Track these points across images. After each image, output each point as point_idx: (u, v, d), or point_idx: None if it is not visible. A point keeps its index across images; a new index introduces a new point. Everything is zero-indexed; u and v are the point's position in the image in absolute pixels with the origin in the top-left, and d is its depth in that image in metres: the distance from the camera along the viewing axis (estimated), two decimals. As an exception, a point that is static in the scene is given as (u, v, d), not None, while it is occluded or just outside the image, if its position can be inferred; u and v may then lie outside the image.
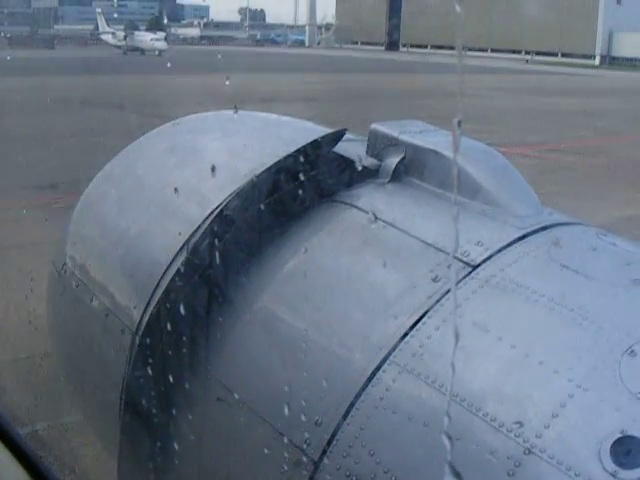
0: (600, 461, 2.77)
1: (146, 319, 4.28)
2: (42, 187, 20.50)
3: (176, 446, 4.23)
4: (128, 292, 4.68)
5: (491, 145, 4.52)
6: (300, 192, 4.25)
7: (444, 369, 3.22)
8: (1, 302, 10.54)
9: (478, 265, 3.57)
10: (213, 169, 4.49)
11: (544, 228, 3.83)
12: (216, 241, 4.13)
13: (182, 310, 4.07)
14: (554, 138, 37.27)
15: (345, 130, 4.63)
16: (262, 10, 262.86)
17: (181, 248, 4.23)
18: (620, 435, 2.79)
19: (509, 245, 3.67)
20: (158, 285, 4.27)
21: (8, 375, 10.16)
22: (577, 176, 27.12)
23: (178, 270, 4.18)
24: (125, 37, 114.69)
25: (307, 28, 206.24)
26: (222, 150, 5.01)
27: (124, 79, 57.24)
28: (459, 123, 1.95)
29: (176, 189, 4.62)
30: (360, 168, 4.40)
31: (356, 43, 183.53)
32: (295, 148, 4.31)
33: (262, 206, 4.23)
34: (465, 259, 3.59)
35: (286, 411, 3.56)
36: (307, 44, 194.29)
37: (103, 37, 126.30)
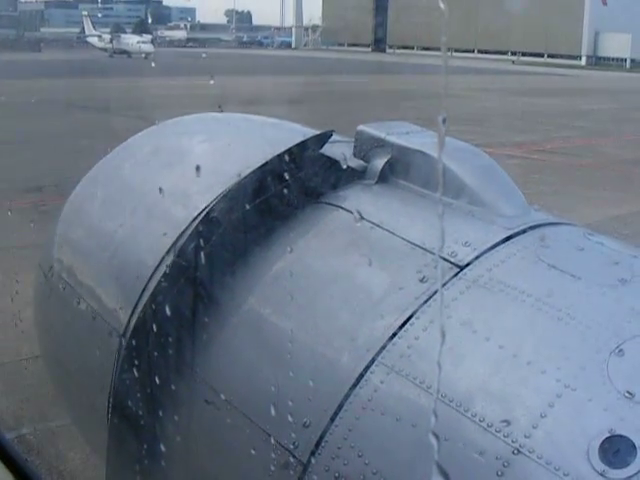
0: (589, 461, 2.77)
1: (133, 321, 4.27)
2: (27, 190, 20.46)
3: (164, 448, 4.22)
4: (115, 295, 4.67)
5: (478, 146, 4.52)
6: (287, 193, 4.25)
7: (432, 370, 3.21)
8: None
9: (465, 266, 3.57)
10: (199, 171, 4.48)
11: (531, 228, 3.84)
12: (203, 243, 4.12)
13: (169, 312, 4.06)
14: (541, 139, 37.36)
15: (332, 131, 4.63)
16: (249, 12, 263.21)
17: (168, 250, 4.23)
18: (609, 434, 2.79)
19: (496, 245, 3.66)
20: (145, 287, 4.26)
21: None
22: (563, 176, 27.19)
23: (165, 272, 4.17)
24: (111, 40, 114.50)
25: (294, 30, 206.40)
26: (208, 152, 5.00)
27: (110, 82, 57.26)
28: (444, 120, 1.95)
29: (162, 191, 4.62)
30: (347, 169, 4.39)
31: (343, 45, 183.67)
32: (282, 149, 4.30)
33: (249, 208, 4.22)
34: (452, 260, 3.59)
35: (274, 413, 3.55)
36: (294, 46, 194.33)
37: (89, 40, 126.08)
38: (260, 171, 4.25)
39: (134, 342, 4.24)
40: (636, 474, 2.72)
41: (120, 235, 4.81)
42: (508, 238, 3.72)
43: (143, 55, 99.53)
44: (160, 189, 4.63)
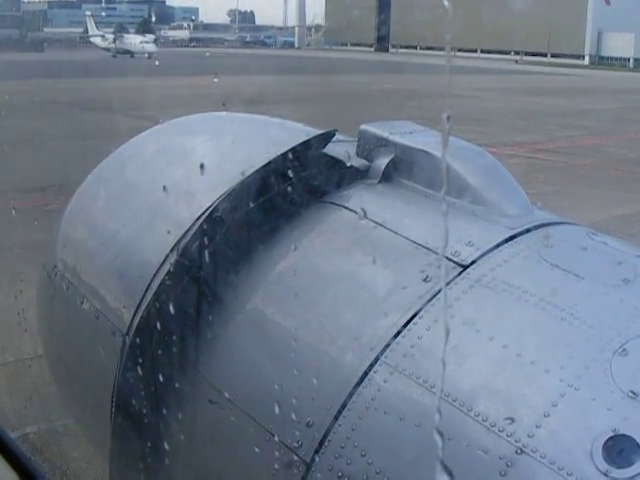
0: (592, 460, 2.77)
1: (137, 321, 4.27)
2: (31, 190, 20.47)
3: (167, 447, 4.22)
4: (119, 294, 4.67)
5: (481, 145, 4.52)
6: (290, 193, 4.25)
7: (435, 369, 3.21)
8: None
9: (469, 265, 3.57)
10: (203, 170, 4.48)
11: (534, 227, 3.83)
12: (206, 242, 4.13)
13: (172, 311, 4.06)
14: (544, 138, 37.34)
15: (335, 131, 4.63)
16: (251, 12, 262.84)
17: (172, 249, 4.23)
18: (612, 434, 2.79)
19: (499, 245, 3.66)
20: (149, 287, 4.26)
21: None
22: (567, 176, 27.16)
23: (169, 271, 4.17)
24: (114, 40, 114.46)
25: (296, 30, 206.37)
26: (212, 151, 5.00)
27: (113, 82, 57.22)
28: (448, 118, 1.95)
29: (166, 190, 4.62)
30: (350, 169, 4.39)
31: (345, 44, 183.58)
32: (285, 149, 4.30)
33: (252, 207, 4.23)
34: (456, 259, 3.59)
35: (277, 412, 3.56)
36: (297, 46, 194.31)
37: (92, 40, 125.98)
38: (264, 170, 4.25)
39: (137, 341, 4.25)
40: None
41: (123, 234, 4.81)
42: (511, 238, 3.72)
43: (146, 55, 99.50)
44: (164, 188, 4.64)
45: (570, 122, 44.87)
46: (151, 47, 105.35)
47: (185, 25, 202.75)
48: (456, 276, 3.53)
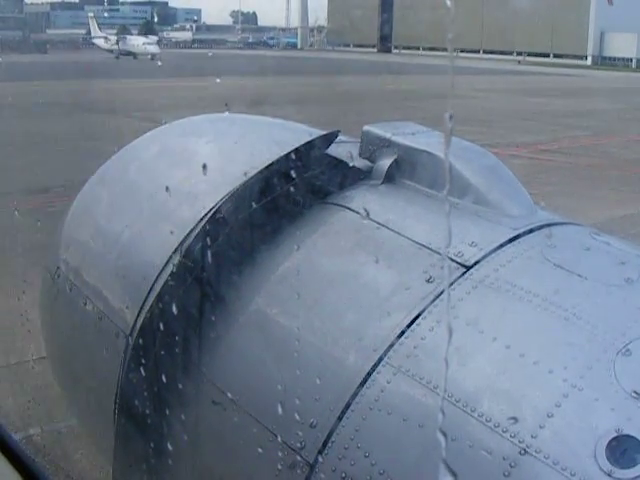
0: (596, 460, 2.77)
1: (140, 322, 4.28)
2: (34, 191, 20.47)
3: (171, 448, 4.22)
4: (122, 295, 4.67)
5: (484, 146, 4.52)
6: (293, 193, 4.25)
7: (439, 370, 3.21)
8: None
9: (472, 266, 3.56)
10: (206, 171, 4.48)
11: (537, 228, 3.83)
12: (210, 243, 4.13)
13: (175, 312, 4.06)
14: (547, 139, 37.31)
15: (338, 132, 4.63)
16: (254, 13, 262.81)
17: (175, 250, 4.23)
18: (615, 434, 2.79)
19: (503, 245, 3.66)
20: (152, 288, 4.26)
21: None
22: (570, 176, 27.13)
23: (172, 272, 4.17)
24: (117, 41, 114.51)
25: (299, 31, 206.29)
26: (215, 152, 5.00)
27: (116, 83, 57.29)
28: (450, 117, 1.95)
29: (169, 191, 4.62)
30: (353, 169, 4.40)
31: (348, 45, 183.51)
32: (288, 150, 4.30)
33: (255, 207, 4.23)
34: (459, 260, 3.59)
35: (281, 412, 3.56)
36: (299, 46, 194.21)
37: (95, 41, 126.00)
38: (267, 171, 4.25)
39: (140, 342, 4.25)
40: None
41: (127, 236, 4.81)
42: (514, 238, 3.72)
43: (149, 56, 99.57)
44: (167, 189, 4.64)
45: (573, 122, 44.82)
46: (154, 48, 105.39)
47: (188, 26, 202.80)
48: (459, 277, 3.53)
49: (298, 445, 3.52)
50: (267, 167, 4.25)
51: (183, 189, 4.65)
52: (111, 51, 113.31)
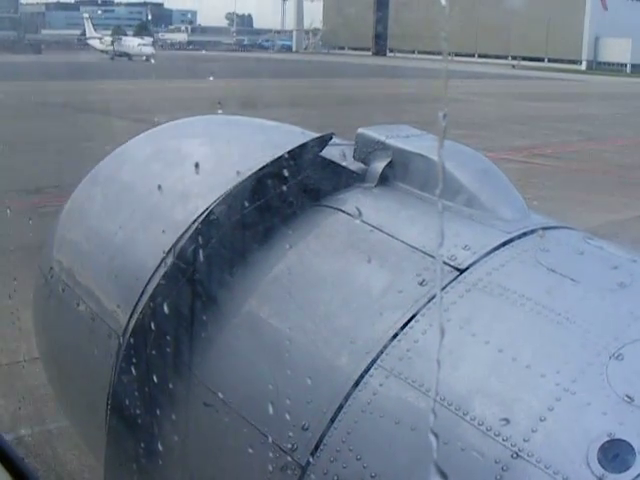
0: (588, 465, 2.77)
1: (133, 323, 4.27)
2: (28, 191, 20.47)
3: (162, 449, 4.22)
4: (115, 296, 4.67)
5: (478, 150, 4.52)
6: (287, 196, 4.24)
7: (431, 373, 3.21)
8: None
9: (465, 269, 3.56)
10: (199, 172, 4.48)
11: (531, 232, 3.83)
12: (203, 244, 4.12)
13: (168, 313, 4.06)
14: (540, 143, 37.39)
15: (332, 134, 4.62)
16: (249, 15, 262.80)
17: (168, 252, 4.22)
18: (608, 438, 2.79)
19: (496, 249, 3.66)
20: (145, 288, 4.25)
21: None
22: (563, 180, 27.20)
23: (165, 274, 4.17)
24: (112, 42, 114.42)
25: (294, 33, 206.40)
26: (209, 154, 5.00)
27: (110, 84, 57.28)
28: (444, 116, 1.95)
29: (162, 192, 4.61)
30: (347, 172, 4.39)
31: (343, 48, 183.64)
32: (282, 152, 4.30)
33: (249, 210, 4.22)
34: (452, 263, 3.59)
35: (273, 414, 3.55)
36: (294, 49, 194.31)
37: (90, 42, 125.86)
38: (260, 173, 4.24)
39: (133, 343, 4.24)
40: (635, 478, 2.72)
41: (120, 236, 4.80)
42: (508, 242, 3.72)
43: (144, 57, 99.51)
44: (160, 190, 4.63)
45: (567, 127, 44.95)
46: (149, 50, 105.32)
47: (183, 28, 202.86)
48: (452, 280, 3.53)
49: (290, 447, 3.52)
50: (260, 169, 4.24)
51: (176, 190, 4.64)
52: (106, 52, 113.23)
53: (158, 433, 4.25)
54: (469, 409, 3.09)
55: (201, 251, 4.11)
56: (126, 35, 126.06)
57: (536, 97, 68.48)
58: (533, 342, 3.26)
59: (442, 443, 3.00)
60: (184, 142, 5.40)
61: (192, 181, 4.51)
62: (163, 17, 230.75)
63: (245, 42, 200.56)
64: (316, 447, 3.43)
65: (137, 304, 4.27)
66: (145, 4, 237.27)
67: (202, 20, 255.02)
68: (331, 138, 4.58)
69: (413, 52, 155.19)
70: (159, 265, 4.23)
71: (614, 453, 2.77)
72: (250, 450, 3.69)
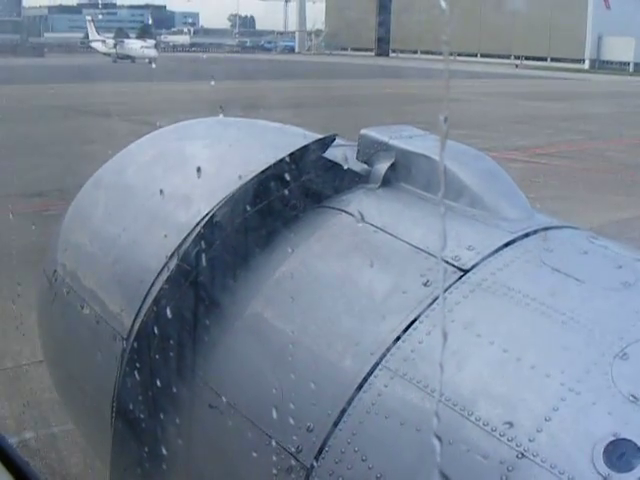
0: (593, 464, 2.77)
1: (137, 325, 4.27)
2: (30, 195, 20.48)
3: (167, 452, 4.22)
4: (119, 299, 4.67)
5: (481, 150, 4.51)
6: (290, 197, 4.24)
7: (436, 374, 3.21)
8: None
9: (469, 269, 3.56)
10: (202, 175, 4.48)
11: (535, 232, 3.83)
12: (206, 247, 4.12)
13: (172, 316, 4.06)
14: (544, 142, 37.36)
15: (335, 135, 4.62)
16: (252, 17, 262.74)
17: (172, 255, 4.22)
18: (613, 438, 2.79)
19: (500, 249, 3.66)
20: (149, 292, 4.26)
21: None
22: (567, 180, 27.17)
23: (169, 277, 4.17)
24: (115, 45, 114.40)
25: (297, 34, 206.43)
26: (211, 156, 5.00)
27: (113, 86, 57.33)
28: (445, 119, 1.95)
29: (165, 195, 4.61)
30: (350, 173, 4.39)
31: (346, 49, 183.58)
32: (285, 154, 4.29)
33: (252, 212, 4.22)
34: (456, 263, 3.58)
35: (277, 416, 3.55)
36: (297, 50, 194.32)
37: (93, 45, 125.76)
38: (263, 175, 4.24)
39: (137, 346, 4.24)
40: None
41: (123, 239, 4.81)
42: (512, 242, 3.71)
43: (147, 60, 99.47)
44: (163, 193, 4.63)
45: (570, 126, 44.88)
46: (152, 52, 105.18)
47: (185, 30, 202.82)
48: (456, 280, 3.52)
49: (294, 449, 3.52)
50: (263, 171, 4.24)
51: (179, 193, 4.64)
52: (109, 55, 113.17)
53: (163, 436, 4.25)
54: (474, 409, 3.08)
55: (204, 255, 4.11)
56: (129, 38, 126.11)
57: (539, 96, 68.38)
58: (537, 342, 3.26)
59: (447, 444, 3.00)
60: (186, 145, 5.40)
61: (194, 184, 4.51)
62: (165, 19, 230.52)
63: (248, 44, 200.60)
64: (321, 449, 3.43)
65: (141, 307, 4.27)
66: (147, 6, 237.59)
67: (204, 22, 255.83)
68: (334, 139, 4.58)
69: (415, 52, 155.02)
70: (163, 268, 4.23)
71: (619, 453, 2.77)
72: (255, 453, 3.69)
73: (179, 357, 4.13)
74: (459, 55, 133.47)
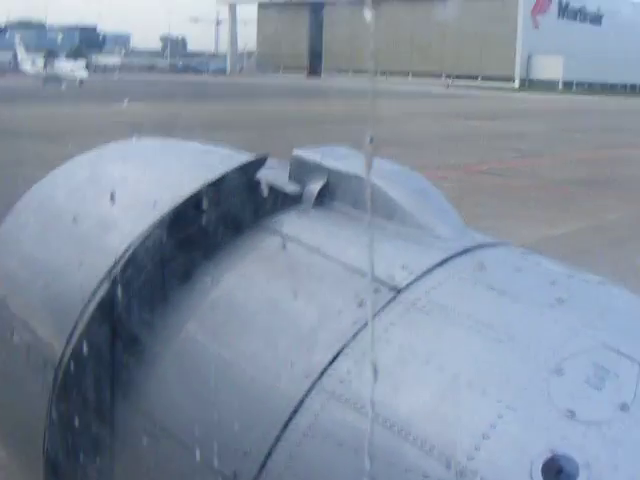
0: None
1: (68, 352, 4.19)
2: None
3: None
4: (49, 325, 4.58)
5: (413, 168, 4.51)
6: (222, 220, 4.20)
7: (372, 394, 3.19)
8: None
9: (403, 289, 3.54)
10: (133, 199, 4.42)
11: (468, 250, 3.82)
12: (137, 272, 4.06)
13: (104, 342, 3.99)
14: (475, 161, 37.76)
15: (267, 156, 4.58)
16: (183, 38, 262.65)
17: (102, 279, 4.15)
18: (551, 454, 2.79)
19: (434, 268, 3.65)
20: (79, 318, 4.18)
21: None
22: (499, 197, 27.48)
23: (99, 302, 4.10)
24: (45, 66, 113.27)
25: (228, 56, 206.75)
26: (143, 179, 4.93)
27: (41, 109, 56.73)
28: (371, 140, 1.94)
29: (94, 220, 4.55)
30: (282, 195, 4.35)
31: (278, 70, 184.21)
32: (216, 175, 4.25)
33: (184, 235, 4.17)
34: (390, 283, 3.57)
35: (213, 442, 3.50)
36: (228, 72, 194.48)
37: (22, 66, 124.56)
38: (194, 198, 4.19)
39: (69, 373, 4.16)
40: None
41: (53, 264, 4.72)
42: (445, 260, 3.70)
43: (77, 81, 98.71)
44: (92, 217, 4.57)
45: (501, 144, 45.46)
46: (82, 73, 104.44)
47: (117, 51, 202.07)
48: (391, 300, 3.51)
49: (231, 473, 3.47)
50: (195, 194, 4.19)
51: (110, 217, 4.57)
52: (38, 76, 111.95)
53: (98, 464, 4.18)
54: (412, 430, 3.06)
55: (136, 278, 4.05)
56: (59, 58, 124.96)
57: (470, 115, 69.16)
58: (473, 360, 3.25)
59: (386, 465, 2.98)
60: (118, 167, 5.32)
61: (126, 207, 4.45)
62: (96, 40, 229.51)
63: (179, 65, 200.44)
64: (258, 473, 3.39)
65: (72, 333, 4.19)
66: (78, 28, 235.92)
67: (136, 43, 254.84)
68: (266, 160, 4.55)
69: (347, 72, 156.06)
70: (94, 293, 4.16)
71: (557, 468, 2.77)
72: (193, 478, 3.64)
73: (112, 384, 4.07)
74: (391, 74, 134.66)
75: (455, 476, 2.90)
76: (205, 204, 4.20)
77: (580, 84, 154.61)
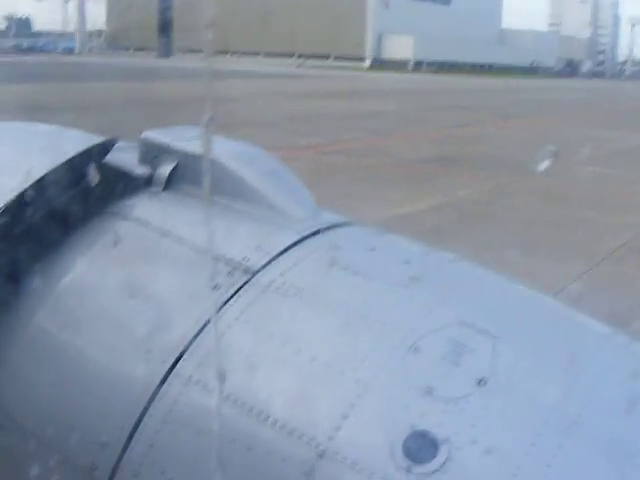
0: (393, 458, 2.78)
1: None
2: None
3: None
4: None
5: (265, 149, 4.48)
6: (70, 205, 4.08)
7: (230, 378, 3.16)
8: None
9: (258, 270, 3.52)
10: None
11: (323, 230, 3.81)
12: None
13: None
14: (327, 140, 38.02)
15: (116, 139, 4.47)
16: (27, 18, 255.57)
17: None
18: (411, 431, 2.81)
19: (288, 249, 3.62)
20: None
21: None
22: (352, 176, 27.75)
23: None
24: None
25: (77, 35, 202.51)
26: None
27: None
28: (210, 119, 1.92)
29: None
30: (132, 177, 4.26)
31: (129, 49, 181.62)
32: (64, 159, 4.12)
33: (31, 222, 4.04)
34: (244, 265, 3.54)
35: (70, 434, 3.41)
36: (77, 51, 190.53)
37: None
38: (41, 182, 4.05)
39: None
40: (441, 467, 2.75)
41: None
42: (299, 241, 3.68)
43: None
44: None
45: (353, 124, 45.86)
46: None
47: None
48: (246, 282, 3.47)
49: (91, 466, 3.39)
50: (42, 178, 4.06)
51: None
52: None
53: None
54: (271, 412, 3.04)
55: None
56: None
57: (321, 95, 69.54)
58: (331, 341, 3.25)
59: (246, 449, 2.96)
60: None
61: None
62: None
63: (24, 46, 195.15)
64: (118, 463, 3.31)
65: None
66: None
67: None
68: (116, 143, 4.44)
69: (200, 52, 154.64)
70: None
71: (418, 444, 2.79)
72: (51, 472, 3.54)
73: None
74: (242, 55, 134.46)
75: (316, 457, 2.90)
76: (52, 189, 4.07)
77: (430, 64, 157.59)
